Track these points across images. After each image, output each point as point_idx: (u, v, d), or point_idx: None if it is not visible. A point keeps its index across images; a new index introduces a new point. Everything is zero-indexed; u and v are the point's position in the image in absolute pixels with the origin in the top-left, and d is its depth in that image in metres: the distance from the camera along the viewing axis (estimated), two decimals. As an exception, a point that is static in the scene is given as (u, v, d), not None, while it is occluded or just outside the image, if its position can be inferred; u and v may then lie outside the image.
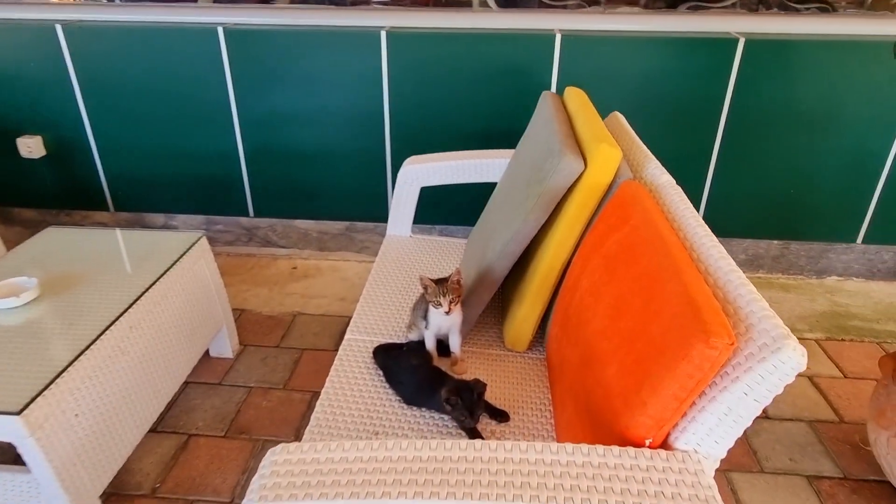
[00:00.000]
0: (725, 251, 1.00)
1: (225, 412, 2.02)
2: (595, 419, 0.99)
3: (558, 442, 1.19)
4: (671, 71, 2.46)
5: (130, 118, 2.74)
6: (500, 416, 1.35)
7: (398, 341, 1.62)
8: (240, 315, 2.56)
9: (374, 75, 2.56)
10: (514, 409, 1.40)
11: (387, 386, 1.45)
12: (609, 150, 1.31)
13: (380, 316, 1.74)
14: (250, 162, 2.80)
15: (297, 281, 2.84)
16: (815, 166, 2.59)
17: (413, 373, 1.41)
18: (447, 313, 1.40)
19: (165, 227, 3.01)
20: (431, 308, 1.43)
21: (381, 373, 1.48)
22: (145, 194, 2.94)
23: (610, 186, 1.36)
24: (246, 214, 2.95)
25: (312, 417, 1.35)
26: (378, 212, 2.85)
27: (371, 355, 1.54)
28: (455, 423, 1.34)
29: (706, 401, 0.81)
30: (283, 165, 2.80)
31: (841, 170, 2.59)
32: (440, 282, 1.42)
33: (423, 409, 1.38)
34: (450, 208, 2.81)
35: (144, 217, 3.01)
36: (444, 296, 1.39)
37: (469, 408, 1.25)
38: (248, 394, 2.10)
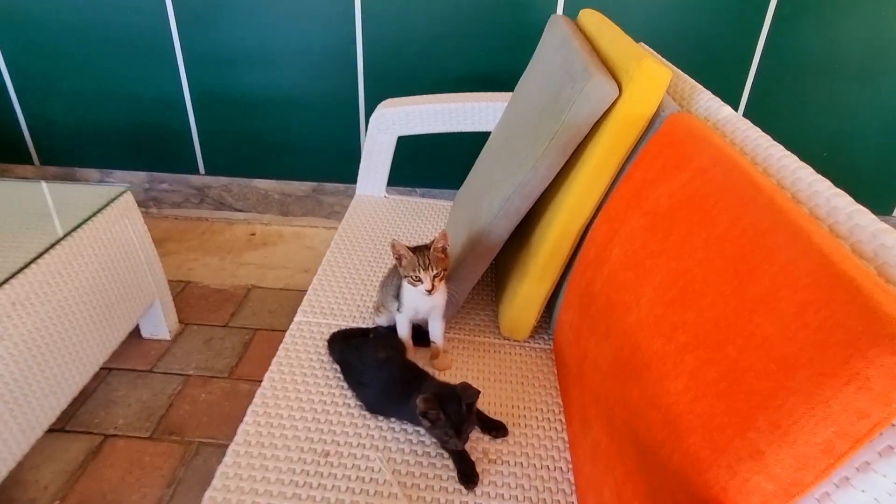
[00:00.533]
0: (853, 200, 0.65)
1: (153, 407, 1.65)
2: (651, 461, 0.64)
3: (578, 480, 0.85)
4: (698, 5, 2.08)
5: (54, 54, 2.29)
6: (496, 429, 1.00)
7: (363, 326, 1.26)
8: (183, 288, 2.17)
9: (345, 5, 2.14)
10: (512, 417, 1.05)
11: (345, 387, 1.09)
12: (654, 67, 0.94)
13: (341, 293, 1.37)
14: (199, 109, 2.38)
15: (255, 249, 2.45)
16: (853, 126, 2.25)
17: (380, 370, 1.05)
18: (430, 292, 1.05)
19: (102, 184, 2.58)
20: (406, 285, 1.08)
21: (338, 368, 1.12)
22: (76, 146, 2.50)
23: (651, 122, 1.00)
24: (195, 172, 2.54)
25: (240, 429, 0.99)
26: (350, 171, 2.45)
27: (326, 345, 1.18)
28: (436, 441, 0.99)
29: (876, 451, 0.46)
30: (237, 114, 2.38)
31: (881, 132, 2.25)
32: (419, 250, 1.06)
33: (394, 421, 1.03)
34: (433, 168, 2.42)
35: (76, 172, 2.58)
36: (426, 269, 1.04)
37: (455, 424, 0.90)
38: (185, 384, 1.73)
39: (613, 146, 1.00)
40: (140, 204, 2.62)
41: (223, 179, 2.55)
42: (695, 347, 0.64)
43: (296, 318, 1.28)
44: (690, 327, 0.66)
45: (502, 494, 0.91)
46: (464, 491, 0.91)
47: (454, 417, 0.91)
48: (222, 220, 2.64)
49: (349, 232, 1.63)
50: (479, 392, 0.93)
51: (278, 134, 2.42)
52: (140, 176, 2.56)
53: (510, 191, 1.08)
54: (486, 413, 1.03)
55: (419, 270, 1.05)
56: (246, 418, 1.01)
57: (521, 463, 0.97)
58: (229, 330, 1.97)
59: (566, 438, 1.02)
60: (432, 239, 1.08)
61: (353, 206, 1.78)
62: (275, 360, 1.15)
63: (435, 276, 1.05)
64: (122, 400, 1.66)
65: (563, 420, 1.06)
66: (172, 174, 2.55)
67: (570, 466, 0.97)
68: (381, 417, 1.03)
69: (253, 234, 2.56)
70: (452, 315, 1.25)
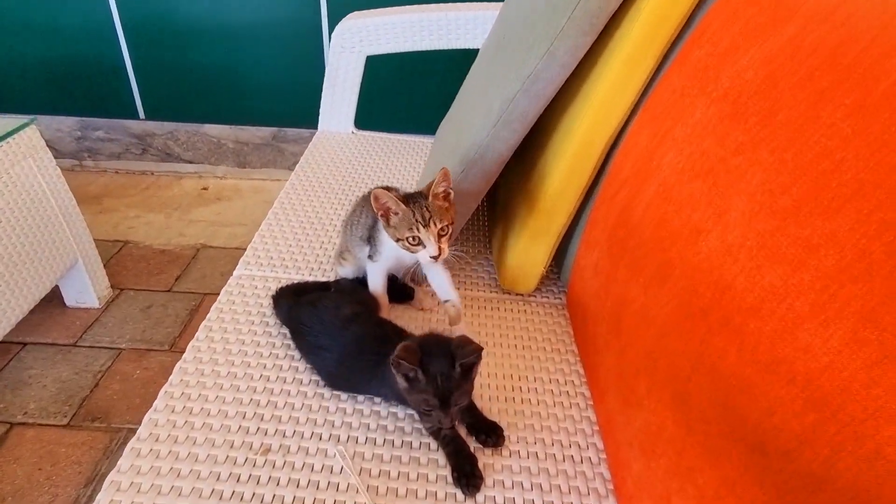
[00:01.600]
0: None
1: (73, 388, 1.36)
2: (779, 467, 0.39)
3: (618, 480, 0.59)
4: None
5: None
6: (487, 433, 0.72)
7: (322, 280, 0.98)
8: (119, 249, 1.86)
9: None
10: (518, 392, 0.79)
11: (296, 357, 0.81)
12: None
13: (295, 242, 1.09)
14: (133, 40, 2.03)
15: (207, 205, 2.13)
16: None
17: (343, 331, 0.77)
18: (436, 258, 0.79)
19: (25, 133, 2.22)
20: (383, 236, 0.82)
21: (287, 334, 0.84)
22: (-10, 86, 2.13)
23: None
24: (134, 116, 2.19)
25: (146, 419, 0.71)
26: (315, 114, 2.13)
27: (271, 303, 0.89)
28: (420, 425, 0.73)
29: None
30: (180, 45, 2.03)
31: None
32: (414, 200, 0.79)
33: (362, 399, 0.76)
34: (409, 108, 2.12)
35: (-7, 119, 2.20)
36: (426, 225, 0.77)
37: (440, 390, 0.64)
38: (115, 359, 1.44)
39: (659, 18, 0.72)
40: (73, 155, 2.28)
41: (168, 125, 2.21)
42: (858, 275, 0.37)
43: (235, 272, 0.99)
44: (843, 241, 0.39)
45: (513, 500, 0.65)
46: (460, 497, 0.65)
47: (439, 381, 0.64)
48: (170, 173, 2.31)
49: (309, 172, 1.33)
50: (480, 350, 0.66)
51: (230, 70, 2.08)
52: (69, 122, 2.20)
53: (515, 88, 0.79)
54: (478, 403, 0.76)
55: (417, 228, 0.77)
56: (156, 403, 0.73)
57: (536, 453, 0.71)
58: (173, 295, 1.67)
59: (592, 418, 0.77)
60: (428, 182, 0.79)
61: (314, 143, 1.48)
62: (203, 324, 0.86)
63: (441, 235, 0.78)
64: (35, 380, 1.37)
65: (587, 394, 0.80)
66: (108, 119, 2.20)
67: (603, 457, 0.71)
68: (344, 395, 0.76)
69: (205, 189, 2.24)
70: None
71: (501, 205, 1.04)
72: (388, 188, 0.80)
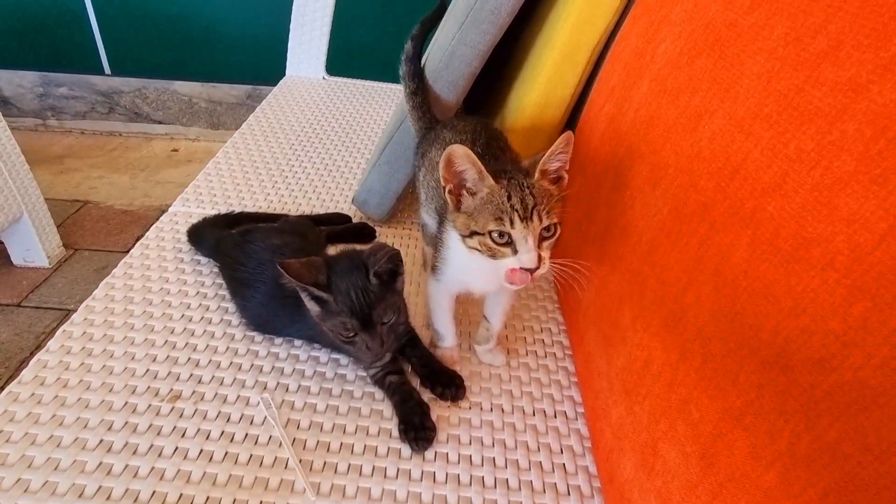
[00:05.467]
0: None
1: (13, 349, 1.25)
2: (825, 412, 0.27)
3: (596, 436, 0.47)
4: None
5: None
6: (445, 384, 0.60)
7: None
8: (78, 209, 1.73)
9: None
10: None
11: (226, 297, 0.70)
12: None
13: (244, 182, 0.97)
14: (96, -14, 1.89)
15: (177, 167, 2.01)
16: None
17: (272, 264, 0.65)
18: (533, 271, 0.49)
19: (-16, 89, 2.09)
20: (458, 245, 0.54)
21: (217, 270, 0.72)
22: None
23: None
24: (100, 71, 2.05)
25: (37, 357, 0.59)
26: (292, 71, 2.00)
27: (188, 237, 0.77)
28: (364, 373, 0.61)
29: None
30: (146, -7, 1.90)
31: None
32: (506, 175, 0.50)
33: (298, 343, 0.65)
34: (389, 55, 1.98)
35: (-51, 73, 2.07)
36: (527, 217, 0.48)
37: (356, 306, 0.52)
38: (63, 320, 1.32)
39: None
40: (36, 115, 2.14)
41: (135, 82, 2.07)
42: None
43: (171, 209, 0.87)
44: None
45: (469, 458, 0.54)
46: (405, 453, 0.54)
47: (354, 295, 0.52)
48: (139, 134, 2.18)
49: (270, 115, 1.21)
50: (395, 252, 0.54)
51: (199, 20, 1.94)
52: (30, 77, 2.07)
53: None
54: (437, 353, 0.65)
55: (510, 221, 0.48)
56: (50, 343, 0.61)
57: (501, 406, 0.60)
58: (131, 256, 1.55)
59: (570, 368, 0.65)
60: (535, 153, 0.52)
61: (280, 86, 1.35)
62: (122, 261, 0.75)
63: (543, 238, 0.49)
64: (-30, 341, 1.25)
65: (566, 342, 0.69)
66: (71, 75, 2.06)
67: (581, 411, 0.60)
68: (278, 340, 0.65)
69: (175, 151, 2.11)
70: (390, 212, 0.86)
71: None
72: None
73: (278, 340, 0.65)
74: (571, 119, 0.77)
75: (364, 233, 0.82)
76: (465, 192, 0.51)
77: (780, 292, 0.30)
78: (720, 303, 0.35)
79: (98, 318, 0.64)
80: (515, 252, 0.48)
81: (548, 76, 0.71)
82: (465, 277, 0.57)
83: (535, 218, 0.48)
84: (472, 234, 0.50)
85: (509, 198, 0.48)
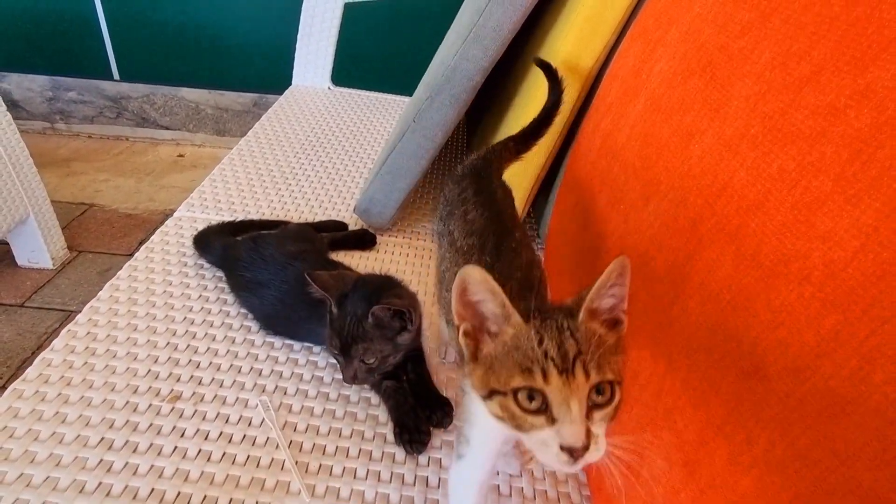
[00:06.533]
0: None
1: (15, 349, 1.26)
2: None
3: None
4: None
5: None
6: (434, 409, 0.59)
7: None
8: (83, 212, 1.75)
9: None
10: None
11: (228, 300, 0.71)
12: None
13: (248, 189, 0.98)
14: (108, -6, 1.92)
15: (182, 172, 2.03)
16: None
17: (285, 267, 0.67)
18: (577, 458, 0.33)
19: (-6, 92, 2.12)
20: (489, 419, 0.37)
21: (222, 279, 0.74)
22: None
23: None
24: (108, 77, 2.08)
25: (41, 356, 0.61)
26: (298, 80, 2.03)
27: (194, 244, 0.79)
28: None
29: None
30: (156, 0, 1.93)
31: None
32: (541, 313, 0.36)
33: (297, 347, 0.66)
34: (394, 67, 2.01)
35: (-40, 76, 2.10)
36: (567, 370, 0.33)
37: (346, 334, 0.54)
38: (65, 321, 1.34)
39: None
40: (44, 118, 2.17)
41: (142, 88, 2.10)
42: None
43: (175, 213, 0.89)
44: (881, 94, 0.29)
45: (463, 463, 0.55)
46: (400, 457, 0.55)
47: (348, 323, 0.54)
48: (145, 139, 2.20)
49: (276, 124, 1.23)
50: (402, 311, 0.55)
51: (208, 28, 1.98)
52: (41, 81, 2.10)
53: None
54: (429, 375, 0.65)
55: (544, 374, 0.34)
56: (55, 342, 0.62)
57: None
58: (134, 259, 1.56)
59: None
60: (581, 290, 0.37)
61: (286, 96, 1.38)
62: (128, 264, 0.76)
63: (595, 406, 0.34)
64: (-27, 340, 1.26)
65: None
66: (81, 79, 2.09)
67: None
68: (278, 343, 0.66)
69: (181, 156, 2.13)
70: (401, 214, 0.87)
71: (477, 146, 0.93)
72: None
73: (277, 344, 0.66)
74: (567, 139, 0.79)
75: (365, 239, 0.84)
76: (484, 331, 0.37)
77: (760, 305, 0.32)
78: (705, 317, 0.36)
79: (102, 318, 0.66)
80: (552, 422, 0.33)
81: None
82: (496, 442, 0.42)
83: (580, 371, 0.33)
84: (493, 393, 0.36)
85: (541, 342, 0.34)
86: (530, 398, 0.34)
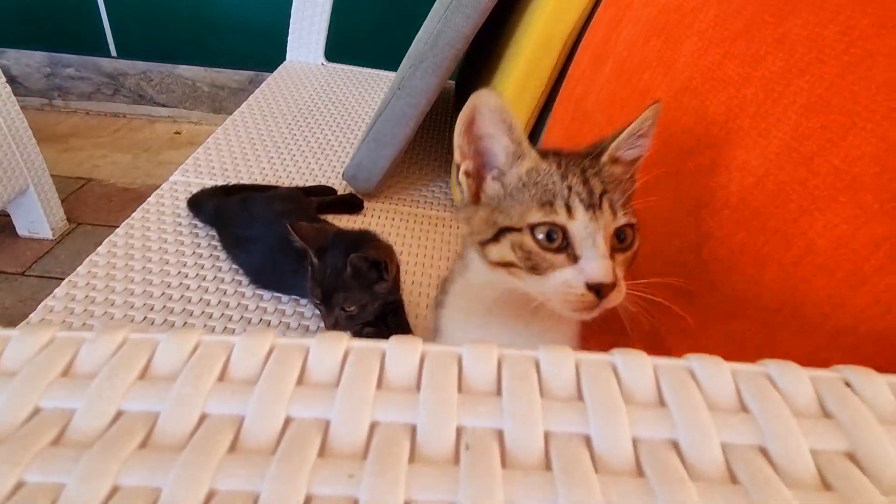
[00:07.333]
0: None
1: (16, 314, 1.30)
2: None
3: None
4: None
5: None
6: None
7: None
8: (81, 186, 1.78)
9: None
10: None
11: (221, 256, 0.75)
12: None
13: (241, 156, 1.02)
14: (104, -30, 1.94)
15: (178, 148, 2.06)
16: None
17: (273, 224, 0.70)
18: (606, 290, 0.31)
19: (-8, 68, 2.14)
20: (479, 270, 0.37)
21: (214, 237, 0.77)
22: (-45, 16, 2.04)
23: None
24: (106, 53, 2.10)
25: (43, 304, 0.65)
26: (293, 58, 2.05)
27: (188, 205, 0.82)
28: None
29: None
30: (152, -23, 1.94)
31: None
32: (560, 155, 0.36)
33: (285, 298, 0.70)
34: (389, 43, 2.03)
35: (-41, 52, 2.12)
36: (593, 205, 0.32)
37: (327, 283, 0.58)
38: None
39: None
40: (42, 94, 2.19)
41: (140, 65, 2.12)
42: (807, 66, 0.30)
43: (171, 178, 0.92)
44: (793, 40, 0.33)
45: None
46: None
47: (328, 273, 0.57)
48: (143, 116, 2.23)
49: (269, 97, 1.26)
50: (379, 260, 0.59)
51: (206, 6, 1.99)
52: (38, 57, 2.11)
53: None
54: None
55: (569, 209, 0.32)
56: (56, 290, 0.67)
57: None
58: (131, 231, 1.60)
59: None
60: (609, 133, 0.37)
61: (279, 71, 1.40)
62: (125, 222, 0.80)
63: (618, 248, 0.34)
64: (-25, 306, 1.31)
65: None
66: (78, 56, 2.11)
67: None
68: (267, 295, 0.70)
69: (178, 133, 2.16)
70: (385, 181, 0.91)
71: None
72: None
73: (266, 296, 0.70)
74: (544, 109, 0.82)
75: (352, 203, 0.88)
76: (489, 175, 0.35)
77: (690, 231, 0.36)
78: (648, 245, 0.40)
79: (100, 271, 0.70)
80: (574, 259, 0.31)
81: (525, 64, 0.76)
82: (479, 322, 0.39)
83: (607, 208, 0.32)
84: (501, 233, 0.33)
85: (564, 176, 0.33)
86: (550, 237, 0.31)
